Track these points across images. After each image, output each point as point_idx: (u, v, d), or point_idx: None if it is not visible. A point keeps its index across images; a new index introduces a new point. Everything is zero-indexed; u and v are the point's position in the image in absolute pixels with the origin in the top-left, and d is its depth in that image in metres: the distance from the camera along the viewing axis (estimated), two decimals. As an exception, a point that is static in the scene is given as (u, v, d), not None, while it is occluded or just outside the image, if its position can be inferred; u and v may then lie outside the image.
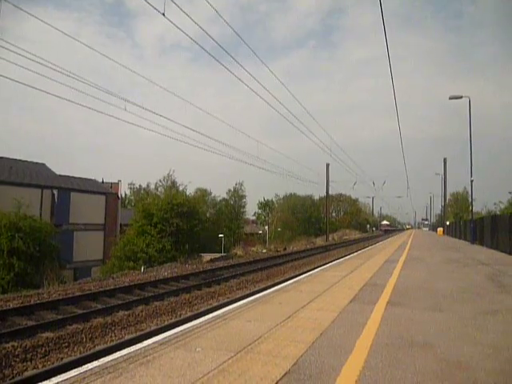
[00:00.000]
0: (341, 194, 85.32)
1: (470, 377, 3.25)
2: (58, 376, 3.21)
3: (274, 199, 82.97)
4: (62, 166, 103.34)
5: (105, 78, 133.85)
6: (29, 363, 6.79)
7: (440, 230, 54.93)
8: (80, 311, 10.20)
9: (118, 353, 3.81)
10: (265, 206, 79.30)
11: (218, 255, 30.24)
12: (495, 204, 47.67)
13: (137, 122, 79.32)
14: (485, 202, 72.32)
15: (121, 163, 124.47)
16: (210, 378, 3.16)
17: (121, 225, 38.38)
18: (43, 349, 7.36)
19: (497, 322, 5.17)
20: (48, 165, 38.46)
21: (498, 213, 40.13)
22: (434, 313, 5.64)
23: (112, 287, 13.40)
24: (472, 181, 27.39)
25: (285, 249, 37.01)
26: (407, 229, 75.53)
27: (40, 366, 6.63)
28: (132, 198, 71.42)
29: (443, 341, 4.24)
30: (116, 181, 41.11)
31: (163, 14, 8.28)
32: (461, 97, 26.30)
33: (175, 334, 4.50)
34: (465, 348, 4.01)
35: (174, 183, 64.36)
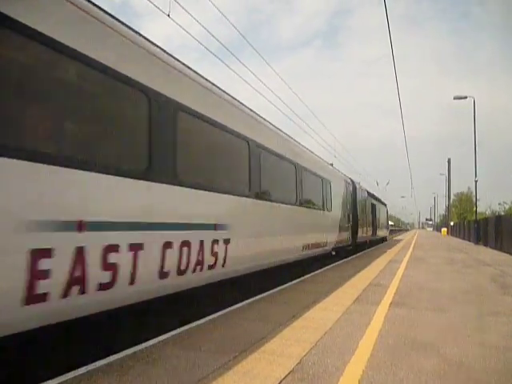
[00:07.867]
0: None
1: (472, 377, 3.29)
2: (65, 374, 3.25)
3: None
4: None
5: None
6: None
7: (444, 230, 54.80)
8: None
9: (123, 351, 3.86)
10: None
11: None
12: (500, 204, 47.59)
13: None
14: (489, 203, 72.28)
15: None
16: (214, 377, 3.21)
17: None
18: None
19: (499, 323, 5.19)
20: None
21: (502, 213, 40.02)
22: (437, 313, 5.67)
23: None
24: (476, 181, 27.36)
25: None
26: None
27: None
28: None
29: (446, 341, 4.27)
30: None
31: (168, 15, 8.31)
32: (465, 97, 26.28)
33: (179, 333, 4.54)
34: (467, 349, 4.04)
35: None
